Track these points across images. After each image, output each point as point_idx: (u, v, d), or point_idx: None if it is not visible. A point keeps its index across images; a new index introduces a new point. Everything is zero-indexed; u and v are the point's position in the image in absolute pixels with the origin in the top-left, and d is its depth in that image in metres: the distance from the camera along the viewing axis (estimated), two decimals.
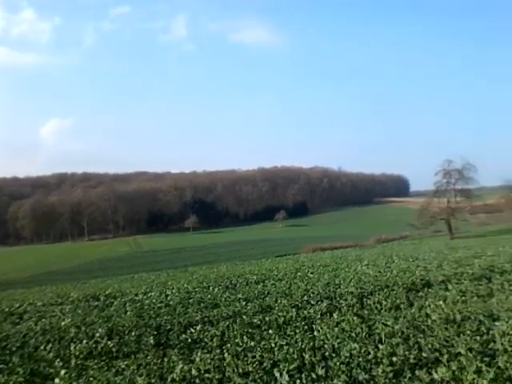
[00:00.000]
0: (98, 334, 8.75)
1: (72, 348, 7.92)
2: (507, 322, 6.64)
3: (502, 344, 5.71)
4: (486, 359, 5.23)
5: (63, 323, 10.41)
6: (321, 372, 5.36)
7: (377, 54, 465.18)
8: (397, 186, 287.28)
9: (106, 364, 6.89)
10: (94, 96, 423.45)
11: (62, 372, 6.36)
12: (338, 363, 5.59)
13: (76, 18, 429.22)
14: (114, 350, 7.77)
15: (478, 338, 6.03)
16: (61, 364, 6.99)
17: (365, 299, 10.38)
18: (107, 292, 17.37)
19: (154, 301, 13.29)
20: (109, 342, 8.09)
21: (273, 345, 6.79)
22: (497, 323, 6.79)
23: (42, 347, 8.36)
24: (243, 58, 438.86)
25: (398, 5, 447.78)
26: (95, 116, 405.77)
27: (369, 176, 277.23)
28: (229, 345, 7.22)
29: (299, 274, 17.97)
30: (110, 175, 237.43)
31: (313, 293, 11.80)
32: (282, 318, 9.02)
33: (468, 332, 6.37)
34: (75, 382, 5.95)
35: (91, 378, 6.01)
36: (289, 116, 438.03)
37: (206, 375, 5.59)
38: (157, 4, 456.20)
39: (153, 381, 5.57)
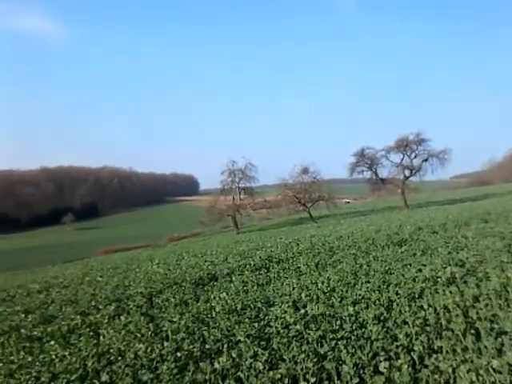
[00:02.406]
0: None
1: None
2: (280, 307, 7.29)
3: (275, 327, 6.25)
4: (263, 343, 5.67)
5: None
6: (105, 378, 5.19)
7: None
8: (187, 186, 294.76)
9: None
10: None
11: None
12: (123, 366, 5.48)
13: None
14: None
15: (255, 324, 6.49)
16: None
17: (154, 298, 10.41)
18: None
19: None
20: None
21: (53, 357, 6.36)
22: (272, 309, 7.42)
23: None
24: (24, 46, 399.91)
25: None
26: None
27: (160, 176, 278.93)
28: (1, 364, 6.54)
29: (87, 278, 17.22)
30: None
31: (101, 297, 11.42)
32: (66, 327, 8.53)
33: (247, 320, 6.83)
34: None
35: None
36: (70, 113, 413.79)
37: None
38: None
39: None
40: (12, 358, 6.83)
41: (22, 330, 8.76)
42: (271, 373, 4.69)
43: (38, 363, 6.23)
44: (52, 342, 7.44)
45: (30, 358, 6.58)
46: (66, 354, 6.46)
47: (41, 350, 7.16)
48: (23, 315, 10.49)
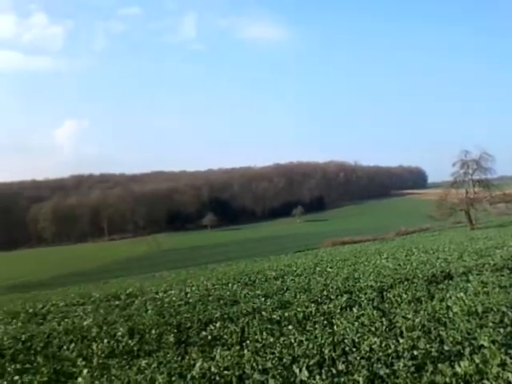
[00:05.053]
0: (119, 334, 8.84)
1: (94, 347, 8.01)
2: None
3: None
4: (510, 352, 5.14)
5: (85, 323, 10.54)
6: (341, 367, 5.31)
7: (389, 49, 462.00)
8: (414, 179, 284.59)
9: (128, 363, 6.94)
10: (106, 97, 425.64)
11: (85, 371, 6.42)
12: (358, 358, 5.54)
13: (86, 20, 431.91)
14: (135, 348, 7.83)
15: (501, 330, 5.92)
16: (83, 363, 7.06)
17: (385, 292, 10.30)
18: (128, 291, 17.53)
19: (174, 299, 13.38)
20: (130, 341, 8.16)
21: (292, 340, 6.76)
22: None
23: (65, 347, 8.47)
24: (253, 54, 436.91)
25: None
26: (108, 117, 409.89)
27: (385, 169, 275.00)
28: (248, 341, 7.22)
29: (318, 268, 17.93)
30: (127, 176, 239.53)
31: (332, 287, 11.73)
32: (302, 314, 8.98)
33: (491, 324, 6.27)
34: (97, 380, 6.00)
35: (113, 377, 6.06)
36: (302, 112, 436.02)
37: (226, 372, 5.58)
38: (165, 3, 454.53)
39: (173, 379, 5.58)
40: (256, 337, 7.48)
41: (263, 313, 9.51)
42: None
43: (278, 345, 6.69)
44: (290, 327, 7.93)
45: (271, 339, 7.11)
46: (303, 339, 6.80)
47: (280, 332, 7.68)
48: (263, 299, 11.37)
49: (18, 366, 7.37)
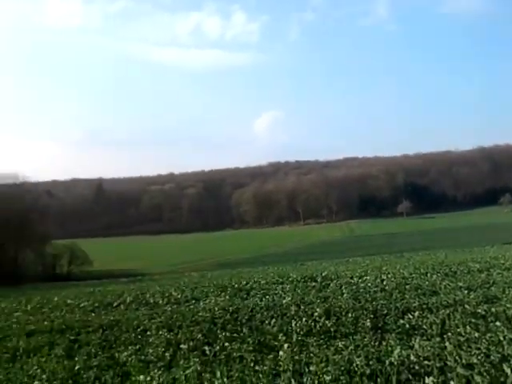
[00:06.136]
0: (316, 314, 9.17)
1: (293, 325, 8.43)
2: None
3: None
4: None
5: (284, 301, 11.18)
6: None
7: None
8: None
9: (325, 342, 7.15)
10: (299, 86, 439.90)
11: (285, 346, 6.79)
12: None
13: (280, 13, 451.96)
14: (331, 329, 8.03)
15: None
16: (284, 338, 7.48)
17: None
18: (324, 274, 18.04)
19: (369, 285, 13.37)
20: (327, 322, 8.40)
21: (501, 338, 6.23)
22: None
23: (266, 321, 9.09)
24: (450, 28, 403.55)
25: None
26: (302, 106, 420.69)
27: None
28: (450, 334, 6.86)
29: None
30: (321, 162, 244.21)
31: None
32: (511, 310, 8.22)
33: None
34: (297, 356, 6.30)
35: (311, 354, 6.30)
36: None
37: (426, 362, 5.41)
38: None
39: (370, 363, 5.60)
40: (459, 330, 7.08)
41: (466, 306, 8.95)
42: None
43: (484, 341, 6.23)
44: (498, 323, 7.30)
45: (476, 334, 6.64)
46: None
47: (486, 328, 7.13)
48: (466, 292, 10.71)
49: (227, 334, 8.16)
